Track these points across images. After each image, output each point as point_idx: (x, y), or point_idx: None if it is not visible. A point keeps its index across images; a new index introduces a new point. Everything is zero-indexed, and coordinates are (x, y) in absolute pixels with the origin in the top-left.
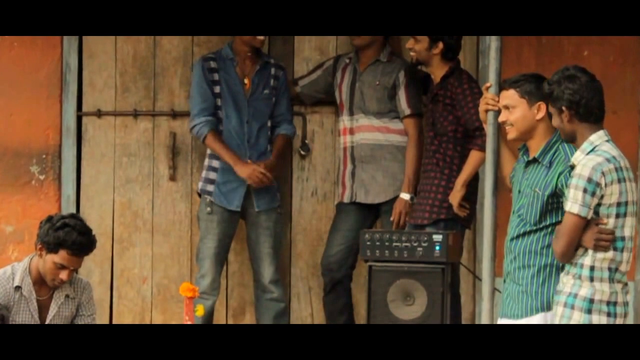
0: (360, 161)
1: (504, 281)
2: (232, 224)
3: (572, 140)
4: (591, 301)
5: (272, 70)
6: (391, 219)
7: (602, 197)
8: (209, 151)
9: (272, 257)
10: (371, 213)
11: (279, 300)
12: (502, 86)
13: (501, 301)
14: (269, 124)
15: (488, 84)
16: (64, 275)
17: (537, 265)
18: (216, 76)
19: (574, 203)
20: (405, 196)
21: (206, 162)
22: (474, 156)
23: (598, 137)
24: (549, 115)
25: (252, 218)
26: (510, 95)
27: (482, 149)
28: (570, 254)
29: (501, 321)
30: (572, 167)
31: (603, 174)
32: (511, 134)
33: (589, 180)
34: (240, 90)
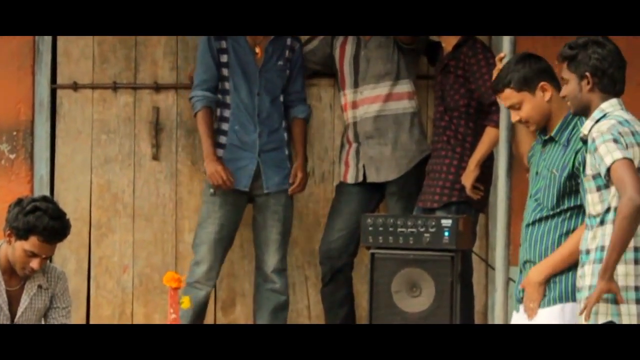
0: (365, 137)
1: (520, 271)
2: (238, 208)
3: (583, 114)
4: None
5: (288, 41)
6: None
7: None
8: (215, 126)
9: (278, 244)
10: (375, 195)
11: (280, 292)
12: (495, 89)
13: (515, 292)
14: (281, 98)
15: (502, 54)
16: (34, 263)
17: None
18: (224, 44)
19: (613, 151)
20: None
21: None
22: (489, 133)
23: (610, 105)
24: (557, 88)
25: (260, 200)
26: (509, 96)
27: (498, 125)
28: None
29: (516, 316)
30: (583, 140)
31: (621, 134)
32: (532, 127)
33: (611, 133)
34: (250, 59)
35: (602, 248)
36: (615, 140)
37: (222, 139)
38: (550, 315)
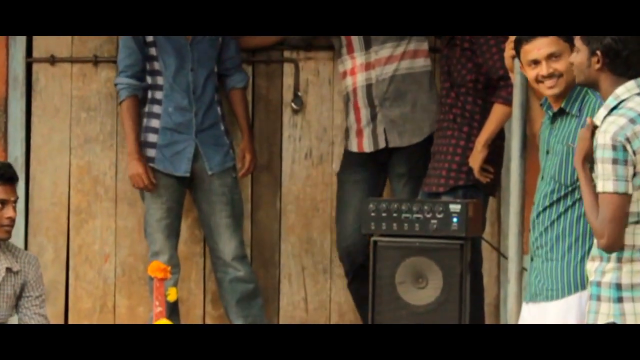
0: (384, 99)
1: (531, 259)
2: (181, 188)
3: (588, 87)
4: (618, 287)
5: None
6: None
7: (634, 165)
8: (146, 109)
9: (232, 228)
10: (380, 180)
11: (246, 280)
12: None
13: (528, 283)
14: (215, 69)
15: None
16: (8, 211)
17: (574, 235)
18: None
19: (606, 180)
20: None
21: (144, 122)
22: (498, 110)
23: (626, 90)
24: None
25: (204, 184)
26: (555, 41)
27: (508, 102)
28: (621, 241)
29: (526, 307)
30: (595, 127)
31: (628, 140)
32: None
33: (614, 147)
34: None
35: (608, 259)
36: (615, 161)
37: (155, 123)
38: (568, 305)
